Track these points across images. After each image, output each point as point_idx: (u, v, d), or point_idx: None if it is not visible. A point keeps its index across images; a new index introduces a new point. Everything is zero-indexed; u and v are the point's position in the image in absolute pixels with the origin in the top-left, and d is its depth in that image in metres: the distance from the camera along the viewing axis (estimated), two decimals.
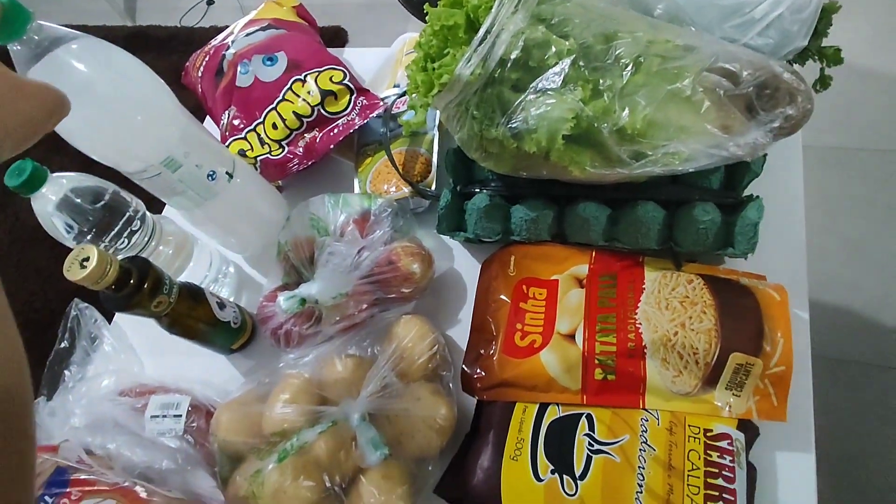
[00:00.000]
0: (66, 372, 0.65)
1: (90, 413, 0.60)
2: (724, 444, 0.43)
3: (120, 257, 0.50)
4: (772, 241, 0.52)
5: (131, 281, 0.49)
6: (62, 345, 0.67)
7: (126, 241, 0.56)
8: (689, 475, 0.42)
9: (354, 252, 0.56)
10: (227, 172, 0.57)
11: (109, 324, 0.70)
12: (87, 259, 0.45)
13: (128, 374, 0.64)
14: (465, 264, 0.62)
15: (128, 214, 0.56)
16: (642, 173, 0.46)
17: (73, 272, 0.45)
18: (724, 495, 0.41)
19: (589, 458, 0.44)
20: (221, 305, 0.59)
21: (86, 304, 0.68)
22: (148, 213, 0.59)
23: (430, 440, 0.49)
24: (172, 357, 0.65)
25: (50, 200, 0.50)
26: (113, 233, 0.56)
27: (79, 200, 0.52)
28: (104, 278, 0.46)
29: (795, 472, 0.46)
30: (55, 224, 0.53)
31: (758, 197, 0.49)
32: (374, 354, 0.55)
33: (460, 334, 0.58)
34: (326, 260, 0.55)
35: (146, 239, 0.57)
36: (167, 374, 0.64)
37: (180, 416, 0.57)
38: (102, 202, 0.54)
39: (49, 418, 0.61)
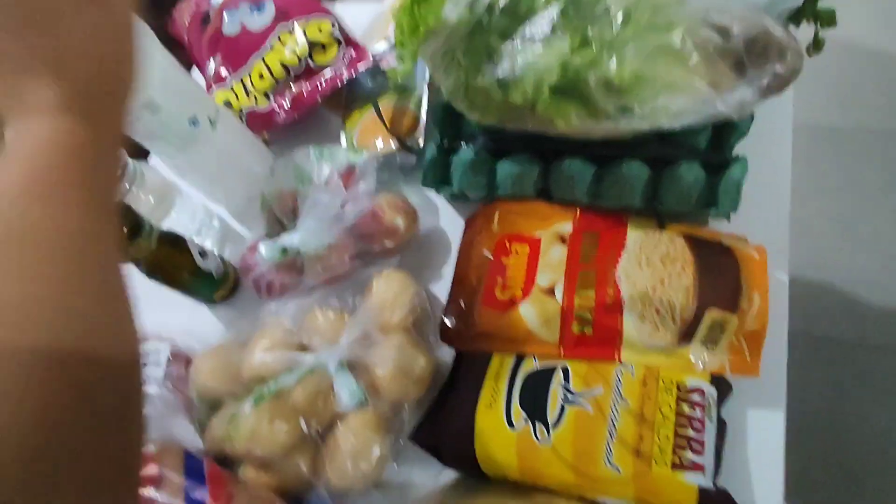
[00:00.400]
0: None
1: None
2: (695, 397, 0.44)
3: None
4: (756, 205, 0.52)
5: None
6: None
7: None
8: (659, 425, 0.42)
9: (338, 203, 0.55)
10: (209, 119, 0.56)
11: None
12: None
13: None
14: (450, 222, 0.62)
15: None
16: (629, 129, 0.46)
17: None
18: (693, 444, 0.41)
19: (562, 408, 0.44)
20: (203, 254, 0.59)
21: None
22: (128, 157, 0.58)
23: (407, 390, 0.49)
24: (154, 308, 0.64)
25: None
26: None
27: None
28: None
29: (765, 429, 0.47)
30: None
31: (743, 157, 0.49)
32: (354, 306, 0.55)
33: (442, 290, 0.57)
34: (309, 209, 0.55)
35: (126, 183, 0.56)
36: (148, 325, 0.64)
37: (160, 363, 0.57)
38: None
39: None
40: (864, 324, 1.19)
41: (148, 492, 0.45)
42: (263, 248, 0.54)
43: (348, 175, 0.59)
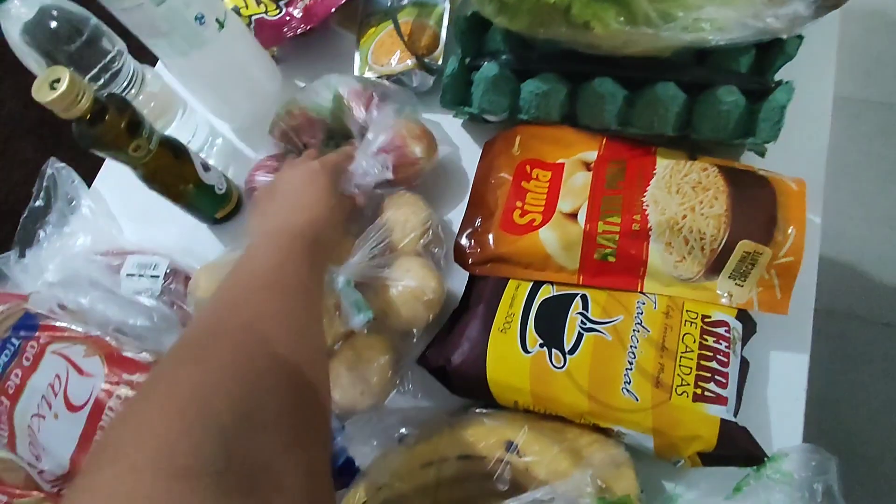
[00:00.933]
0: (40, 232, 0.63)
1: (64, 269, 0.58)
2: (721, 330, 0.41)
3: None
4: (791, 144, 0.49)
5: (107, 117, 0.45)
6: (36, 203, 0.64)
7: (104, 84, 0.52)
8: (682, 356, 0.40)
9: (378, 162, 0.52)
10: (217, 20, 0.53)
11: (89, 189, 0.67)
12: (57, 80, 0.41)
13: (105, 236, 0.62)
14: (466, 150, 0.59)
15: (110, 54, 0.51)
16: (669, 41, 0.42)
17: (42, 93, 0.41)
18: (717, 377, 0.39)
19: (580, 335, 0.42)
20: (206, 167, 0.56)
21: (62, 164, 0.65)
22: (132, 58, 0.54)
23: (416, 313, 0.47)
24: (154, 225, 0.63)
25: (19, 17, 0.46)
26: (90, 75, 0.51)
27: (54, 25, 0.47)
28: (76, 105, 0.42)
29: (788, 372, 0.45)
30: (24, 54, 0.48)
31: (789, 81, 0.45)
32: (362, 229, 0.52)
33: (456, 219, 0.55)
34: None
35: (126, 84, 0.53)
36: (147, 241, 0.62)
37: (157, 276, 0.55)
38: (83, 35, 0.50)
39: (21, 274, 0.59)
40: (878, 301, 1.16)
41: None
42: None
43: (365, 96, 0.55)
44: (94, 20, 0.51)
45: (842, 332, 1.15)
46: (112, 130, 0.45)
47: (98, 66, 0.52)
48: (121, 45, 0.53)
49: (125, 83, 0.53)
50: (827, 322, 1.15)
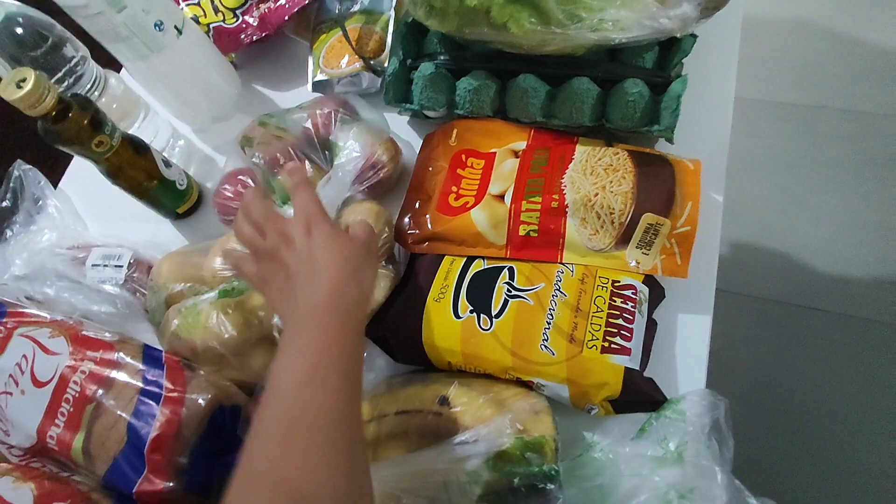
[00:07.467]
0: (7, 231, 0.65)
1: (30, 264, 0.61)
2: (628, 293, 0.47)
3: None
4: (698, 131, 0.56)
5: (70, 114, 0.49)
6: (3, 204, 0.67)
7: (68, 87, 0.56)
8: (593, 316, 0.45)
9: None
10: (175, 27, 0.57)
11: (55, 189, 0.70)
12: (23, 80, 0.45)
13: (71, 233, 0.65)
14: (416, 145, 0.63)
15: (73, 59, 0.55)
16: (579, 40, 0.48)
17: (8, 92, 0.45)
18: (622, 332, 0.45)
19: (506, 302, 0.47)
20: (167, 164, 0.60)
21: (29, 166, 0.68)
22: (94, 62, 0.58)
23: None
24: (118, 222, 0.66)
25: None
26: (55, 78, 0.55)
27: (20, 32, 0.51)
28: (41, 104, 0.46)
29: (693, 331, 0.51)
30: None
31: (684, 74, 0.52)
32: None
33: None
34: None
35: (89, 86, 0.56)
36: (112, 237, 0.65)
37: (121, 266, 0.58)
38: (48, 42, 0.53)
39: None
40: (808, 289, 1.24)
41: (107, 373, 0.47)
42: None
43: (334, 117, 0.58)
44: (58, 27, 0.55)
45: (776, 318, 1.22)
46: (75, 126, 0.49)
47: (62, 71, 0.55)
48: (84, 50, 0.57)
49: (88, 86, 0.57)
50: (765, 310, 1.23)
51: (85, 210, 0.70)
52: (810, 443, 1.11)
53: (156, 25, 0.55)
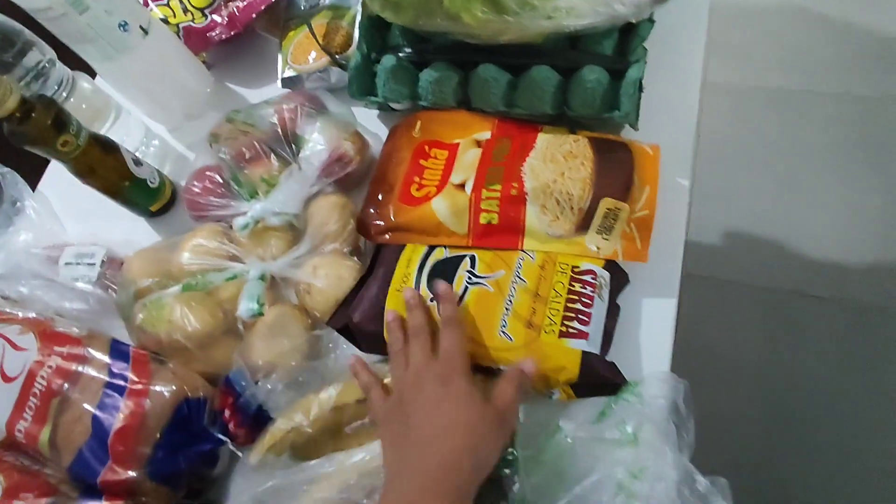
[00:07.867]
0: None
1: (7, 264, 0.61)
2: (588, 277, 0.47)
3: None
4: (664, 118, 0.56)
5: (33, 114, 0.49)
6: None
7: (37, 90, 0.57)
8: (552, 301, 0.46)
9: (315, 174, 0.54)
10: (140, 27, 0.58)
11: (33, 192, 0.71)
12: None
13: (49, 234, 0.66)
14: (382, 138, 0.64)
15: (41, 62, 0.56)
16: (535, 29, 0.48)
17: None
18: (580, 316, 0.45)
19: (466, 289, 0.47)
20: (137, 162, 0.61)
21: (8, 169, 0.69)
22: (62, 64, 0.59)
23: (328, 307, 0.51)
24: (95, 222, 0.67)
25: None
26: (23, 81, 0.56)
27: None
28: (3, 105, 0.47)
29: (658, 315, 0.51)
30: None
31: (642, 60, 0.52)
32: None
33: None
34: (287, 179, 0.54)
35: (57, 88, 0.57)
36: (89, 237, 0.66)
37: (94, 264, 0.59)
38: (15, 46, 0.54)
39: None
40: (803, 276, 1.24)
41: (74, 367, 0.48)
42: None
43: (300, 112, 0.58)
44: (26, 32, 0.56)
45: (769, 305, 1.22)
46: (39, 127, 0.50)
47: (30, 74, 0.56)
48: (51, 53, 0.58)
49: (56, 87, 0.57)
50: (755, 297, 1.23)
51: (63, 211, 0.70)
52: (808, 430, 1.10)
53: (120, 26, 0.55)
